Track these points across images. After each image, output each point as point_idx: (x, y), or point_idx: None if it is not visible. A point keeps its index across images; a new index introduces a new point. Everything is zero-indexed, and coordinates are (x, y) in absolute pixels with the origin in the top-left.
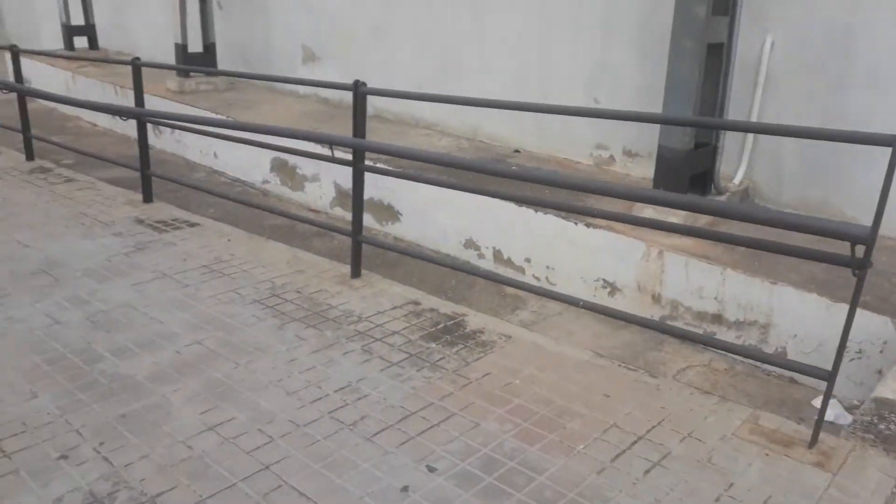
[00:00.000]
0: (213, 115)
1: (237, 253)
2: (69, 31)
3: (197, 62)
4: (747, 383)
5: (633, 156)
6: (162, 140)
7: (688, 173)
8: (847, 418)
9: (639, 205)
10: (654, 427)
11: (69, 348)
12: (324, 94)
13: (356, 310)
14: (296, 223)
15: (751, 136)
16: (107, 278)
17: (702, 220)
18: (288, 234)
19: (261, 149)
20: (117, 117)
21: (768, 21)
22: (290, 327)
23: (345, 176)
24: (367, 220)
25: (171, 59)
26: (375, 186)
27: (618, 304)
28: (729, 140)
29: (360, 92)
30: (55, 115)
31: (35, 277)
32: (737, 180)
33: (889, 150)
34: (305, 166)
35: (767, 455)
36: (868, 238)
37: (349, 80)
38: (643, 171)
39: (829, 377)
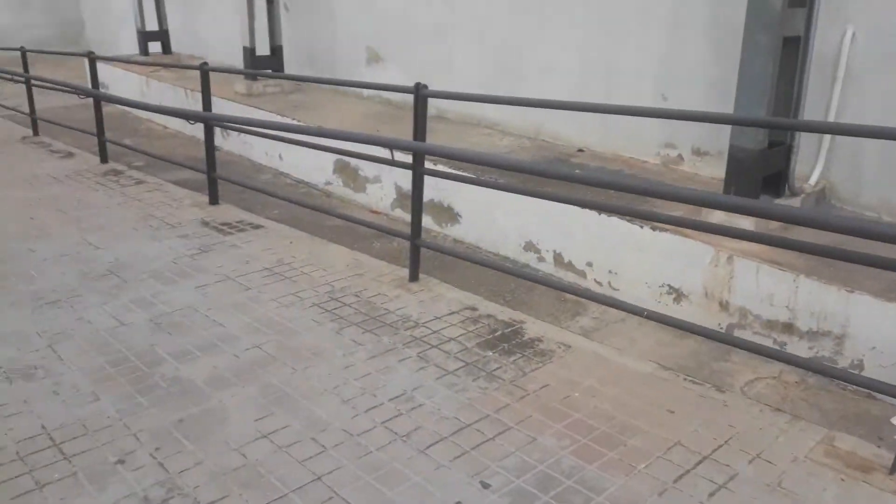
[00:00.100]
0: (277, 118)
1: (298, 255)
2: (144, 37)
3: (264, 65)
4: (820, 397)
5: (702, 155)
6: (229, 142)
7: (761, 174)
8: None
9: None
10: (720, 446)
11: (132, 350)
12: (387, 95)
13: (413, 315)
14: (357, 224)
15: (828, 134)
16: (171, 280)
17: (774, 224)
18: (349, 235)
19: (323, 151)
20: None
21: (849, 11)
22: (348, 332)
23: (405, 178)
24: (426, 221)
25: (240, 62)
26: (435, 188)
27: (683, 310)
28: (805, 138)
29: (421, 95)
30: (129, 118)
31: (104, 279)
32: (812, 181)
33: None
34: (367, 168)
35: (843, 480)
36: None
37: (412, 80)
38: (713, 171)
39: None
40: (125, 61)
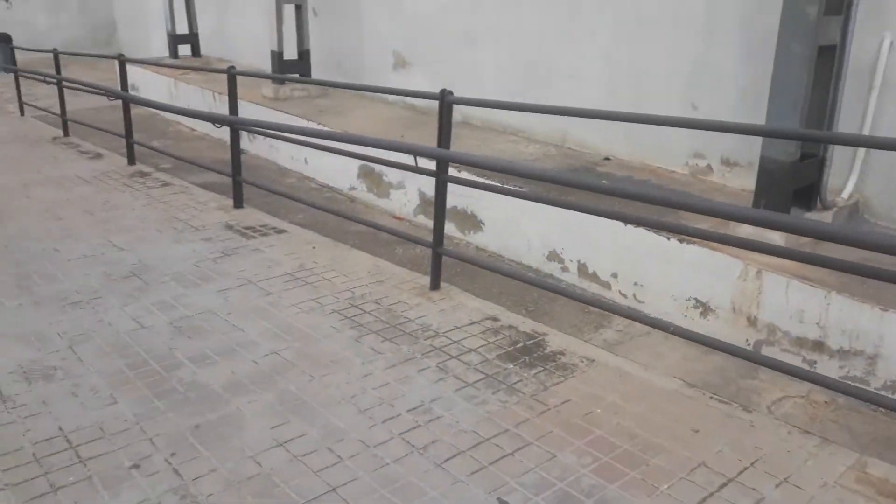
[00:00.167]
0: (303, 123)
1: (320, 261)
2: (174, 40)
3: (292, 69)
4: (851, 419)
5: (731, 165)
6: (256, 145)
7: (792, 187)
8: None
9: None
10: (746, 469)
11: (151, 354)
12: (412, 101)
13: (433, 324)
14: (379, 230)
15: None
16: (193, 284)
17: (805, 238)
18: (372, 241)
19: (348, 156)
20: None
21: (887, 19)
22: (367, 340)
23: (429, 184)
24: (449, 228)
25: (269, 66)
26: (458, 195)
27: (710, 325)
28: (839, 150)
29: (446, 101)
30: (158, 120)
31: (126, 281)
32: (845, 194)
33: None
34: (391, 174)
35: None
36: None
37: (439, 86)
38: (742, 182)
39: None
40: (154, 64)
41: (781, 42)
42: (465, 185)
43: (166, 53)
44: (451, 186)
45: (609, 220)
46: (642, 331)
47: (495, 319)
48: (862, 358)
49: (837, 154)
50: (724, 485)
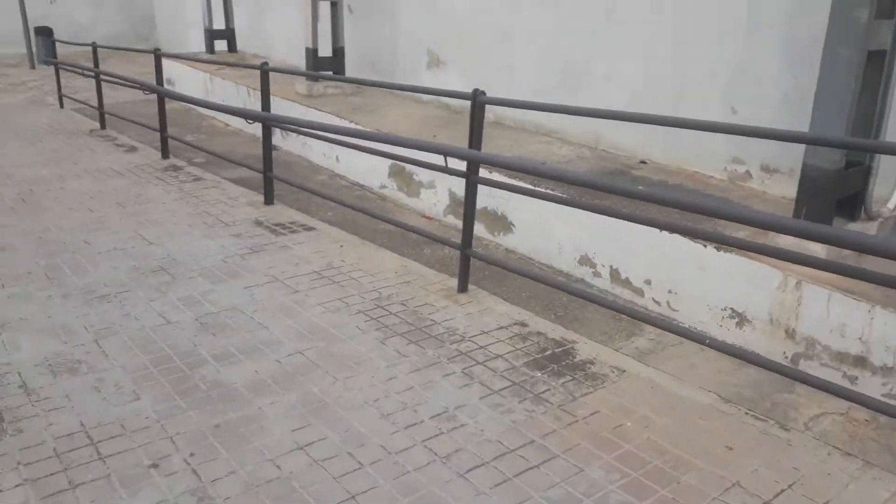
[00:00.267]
0: (335, 120)
1: (348, 259)
2: (211, 35)
3: (326, 66)
4: (893, 439)
5: (771, 172)
6: (288, 142)
7: (835, 196)
8: None
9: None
10: (783, 491)
11: (175, 350)
12: (445, 100)
13: (460, 328)
14: (408, 231)
15: None
16: (221, 280)
17: (847, 251)
18: (400, 240)
19: (379, 155)
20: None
21: None
22: (392, 342)
23: (460, 184)
24: (479, 229)
25: (303, 62)
26: (489, 195)
27: (746, 336)
28: (885, 158)
29: (478, 101)
30: (193, 114)
31: (154, 275)
32: (891, 204)
33: None
34: (421, 173)
35: None
36: None
37: (473, 85)
38: (783, 190)
39: None
40: (190, 59)
41: (829, 46)
42: (496, 187)
43: (203, 49)
44: (481, 187)
45: (643, 225)
46: (675, 340)
47: (524, 325)
48: None
49: (884, 162)
50: None
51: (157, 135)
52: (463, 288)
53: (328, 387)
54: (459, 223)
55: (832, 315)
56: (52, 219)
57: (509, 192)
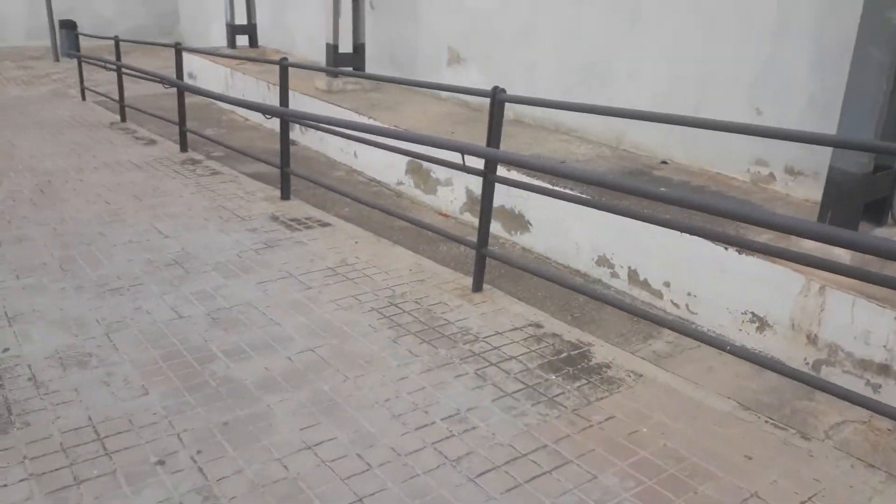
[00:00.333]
0: (354, 116)
1: (362, 256)
2: (232, 30)
3: (346, 62)
4: None
5: (796, 174)
6: (307, 137)
7: (862, 200)
8: None
9: None
10: (803, 503)
11: (186, 345)
12: (464, 97)
13: (474, 328)
14: (424, 228)
15: None
16: (234, 274)
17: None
18: (416, 237)
19: (396, 152)
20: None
21: None
22: (405, 341)
23: (477, 182)
24: (495, 227)
25: (324, 58)
26: (506, 194)
27: (766, 341)
28: None
29: (498, 99)
30: (213, 108)
31: (168, 269)
32: None
33: None
34: (439, 170)
35: None
36: None
37: (493, 82)
38: (807, 193)
39: None
40: (211, 53)
41: (859, 47)
42: (513, 186)
43: (225, 43)
44: (499, 185)
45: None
46: (693, 343)
47: (539, 326)
48: None
49: None
50: None
51: (177, 128)
52: (478, 287)
53: (339, 385)
54: (476, 221)
55: (856, 321)
56: (69, 210)
57: (527, 192)
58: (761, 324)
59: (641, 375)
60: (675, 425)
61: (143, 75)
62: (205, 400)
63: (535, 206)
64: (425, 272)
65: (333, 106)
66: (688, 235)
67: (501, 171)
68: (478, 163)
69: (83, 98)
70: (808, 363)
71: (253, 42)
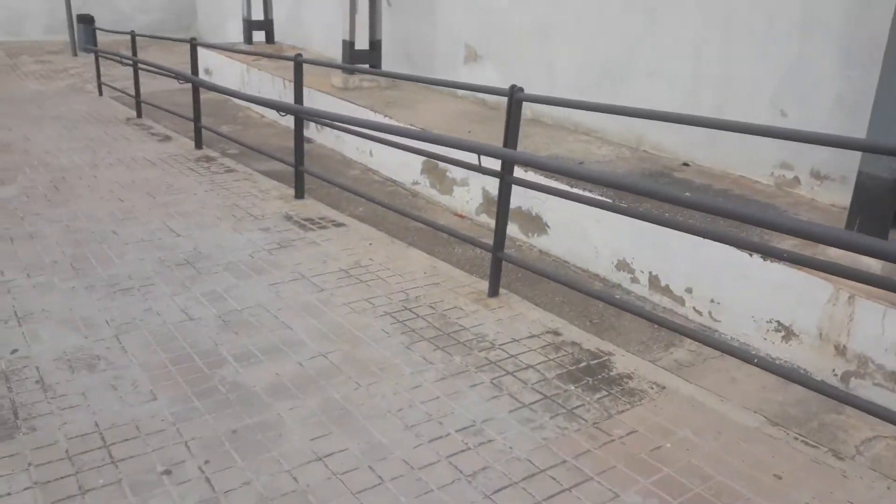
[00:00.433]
0: (370, 114)
1: (376, 258)
2: (249, 26)
3: (363, 59)
4: None
5: (822, 179)
6: (323, 135)
7: (893, 207)
8: None
9: None
10: None
11: (196, 348)
12: (481, 95)
13: (490, 334)
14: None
15: None
16: (246, 275)
17: None
18: (431, 238)
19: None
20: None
21: None
22: (418, 347)
23: (493, 182)
24: (512, 229)
25: (340, 54)
26: (524, 195)
27: (792, 350)
28: None
29: (515, 98)
30: (229, 105)
31: (179, 269)
32: None
33: None
34: (455, 170)
35: None
36: None
37: (511, 81)
38: (833, 197)
39: None
40: (226, 49)
41: (892, 46)
42: (531, 188)
43: (242, 39)
44: (516, 187)
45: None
46: (716, 352)
47: (557, 334)
48: None
49: None
50: None
51: (192, 125)
52: (494, 292)
53: (350, 393)
54: (492, 222)
55: (887, 332)
56: (82, 207)
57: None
58: (787, 333)
59: (664, 387)
60: (700, 441)
61: (158, 71)
62: (214, 406)
63: (552, 208)
64: (440, 275)
65: (349, 103)
66: (711, 240)
67: (519, 172)
68: (494, 163)
69: (100, 93)
70: (836, 374)
71: (269, 38)
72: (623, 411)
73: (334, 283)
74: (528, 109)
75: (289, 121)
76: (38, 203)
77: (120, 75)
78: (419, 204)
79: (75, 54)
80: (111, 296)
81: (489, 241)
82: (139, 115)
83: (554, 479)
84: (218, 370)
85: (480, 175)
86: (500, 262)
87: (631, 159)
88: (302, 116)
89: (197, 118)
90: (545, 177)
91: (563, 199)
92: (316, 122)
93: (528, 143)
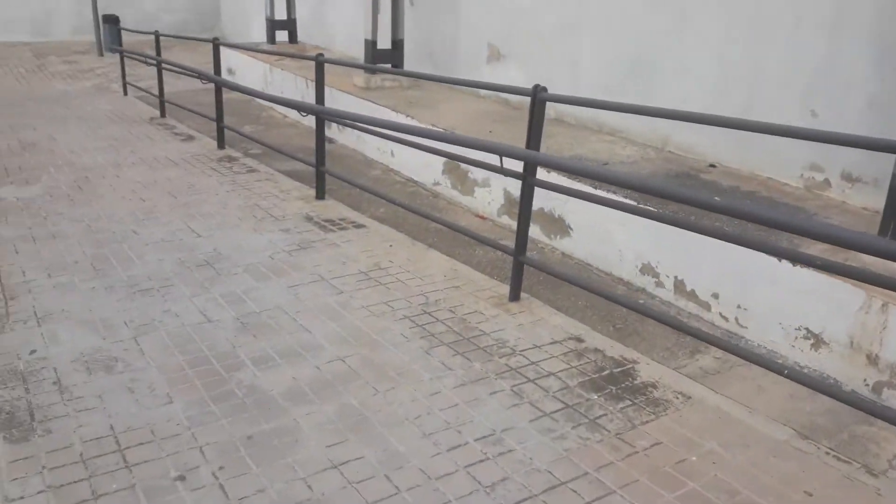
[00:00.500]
0: (391, 115)
1: (396, 260)
2: (272, 26)
3: (385, 58)
4: None
5: (853, 181)
6: (344, 135)
7: None
8: None
9: None
10: None
11: (214, 351)
12: (504, 95)
13: (510, 340)
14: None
15: None
16: (265, 277)
17: None
18: (452, 239)
19: (432, 153)
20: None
21: None
22: (438, 352)
23: (515, 184)
24: (534, 231)
25: (363, 54)
26: (546, 196)
27: (822, 359)
28: None
29: (539, 98)
30: (253, 105)
31: (199, 270)
32: None
33: None
34: (476, 171)
35: None
36: None
37: (533, 80)
38: (865, 200)
39: None
40: (249, 49)
41: None
42: (553, 190)
43: (265, 39)
44: (538, 190)
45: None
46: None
47: (580, 340)
48: None
49: None
50: None
51: (215, 124)
52: (515, 296)
53: (368, 399)
54: (514, 224)
55: None
56: (104, 207)
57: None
58: (816, 341)
59: (690, 397)
60: (727, 455)
61: (182, 70)
62: (230, 411)
63: (575, 210)
64: (460, 278)
65: (371, 103)
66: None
67: (542, 173)
68: (517, 165)
69: (125, 93)
70: (867, 385)
71: (292, 38)
72: (647, 422)
73: (353, 286)
74: (551, 109)
75: (311, 121)
76: (61, 202)
77: (145, 75)
78: (440, 205)
79: (101, 54)
80: (130, 297)
81: (511, 242)
82: (163, 114)
83: (575, 491)
84: (235, 373)
85: (502, 176)
86: (522, 266)
87: (656, 160)
88: (323, 117)
89: (219, 118)
90: (568, 178)
91: (587, 202)
92: (337, 122)
93: (551, 143)
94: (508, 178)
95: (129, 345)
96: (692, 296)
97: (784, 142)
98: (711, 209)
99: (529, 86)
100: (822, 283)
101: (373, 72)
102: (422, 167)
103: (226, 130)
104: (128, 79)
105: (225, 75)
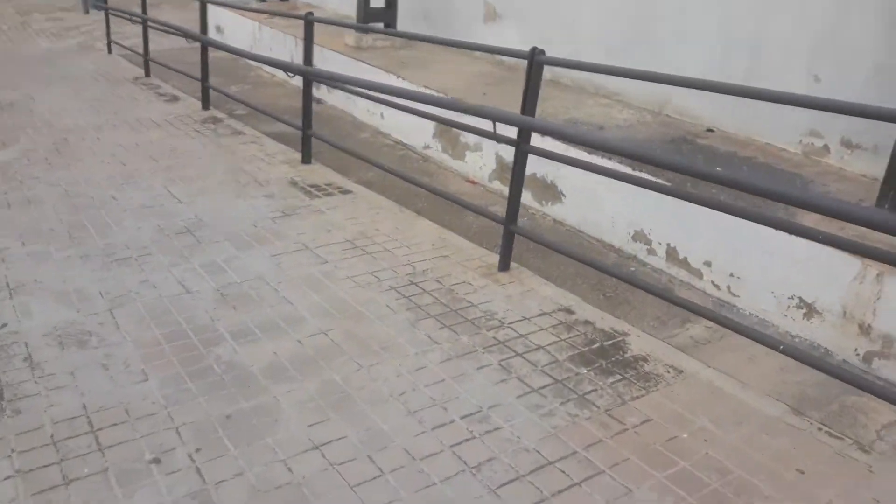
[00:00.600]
0: (383, 75)
1: (383, 228)
2: None
3: (378, 17)
4: None
5: (853, 147)
6: (333, 96)
7: None
8: None
9: None
10: None
11: (192, 324)
12: (499, 56)
13: (499, 312)
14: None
15: None
16: (247, 245)
17: None
18: (441, 204)
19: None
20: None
21: None
22: (424, 325)
23: (508, 148)
24: (526, 197)
25: (355, 13)
26: (538, 162)
27: (814, 328)
28: None
29: (536, 61)
30: (239, 64)
31: (179, 237)
32: None
33: None
34: (468, 134)
35: None
36: None
37: (531, 40)
38: (864, 167)
39: None
40: (238, 7)
41: None
42: (548, 158)
43: None
44: (530, 156)
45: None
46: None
47: (570, 312)
48: None
49: None
50: None
51: (200, 84)
52: (504, 266)
53: (351, 375)
54: (505, 189)
55: None
56: (82, 171)
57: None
58: (809, 310)
59: (682, 371)
60: (719, 432)
61: (166, 29)
62: (207, 388)
63: (568, 176)
64: (449, 247)
65: (362, 63)
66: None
67: (536, 139)
68: (510, 130)
69: (109, 51)
70: (858, 354)
71: None
72: (637, 397)
73: (338, 255)
74: (547, 71)
75: (299, 81)
76: (38, 166)
77: (130, 33)
78: (430, 169)
79: (87, 12)
80: (107, 266)
81: (502, 209)
82: (147, 74)
83: (564, 472)
84: (214, 348)
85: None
86: (513, 236)
87: (653, 124)
88: (311, 78)
89: (205, 78)
90: (563, 142)
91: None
92: (324, 83)
93: (546, 105)
94: (502, 144)
95: (104, 318)
96: (684, 263)
97: (783, 107)
98: (706, 179)
99: (527, 45)
100: (816, 252)
101: (364, 31)
102: (412, 130)
103: (211, 91)
104: (113, 37)
105: (213, 33)
